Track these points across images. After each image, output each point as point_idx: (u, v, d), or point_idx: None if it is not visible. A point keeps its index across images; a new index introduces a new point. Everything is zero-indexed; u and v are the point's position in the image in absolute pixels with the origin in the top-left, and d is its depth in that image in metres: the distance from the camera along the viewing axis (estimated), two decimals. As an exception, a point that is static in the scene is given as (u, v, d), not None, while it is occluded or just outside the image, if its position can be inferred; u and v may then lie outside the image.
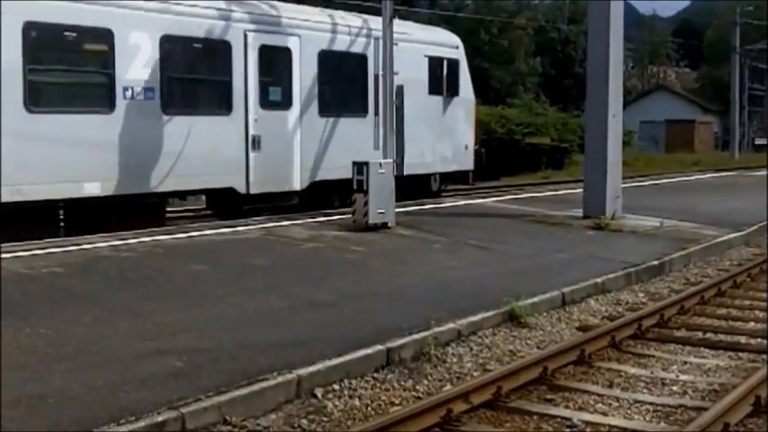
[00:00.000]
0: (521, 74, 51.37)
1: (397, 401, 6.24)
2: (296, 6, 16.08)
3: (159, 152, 12.85)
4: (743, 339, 8.18)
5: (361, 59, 16.14)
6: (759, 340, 8.13)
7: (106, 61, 12.28)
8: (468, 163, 18.88)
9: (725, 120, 52.33)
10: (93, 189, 12.07)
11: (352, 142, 15.52)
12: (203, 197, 15.46)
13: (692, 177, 27.98)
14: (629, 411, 6.20)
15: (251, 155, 14.02)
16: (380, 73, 13.59)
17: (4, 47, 11.05)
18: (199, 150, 13.25)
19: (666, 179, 26.49)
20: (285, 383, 6.02)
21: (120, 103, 12.37)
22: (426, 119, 17.52)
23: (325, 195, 15.54)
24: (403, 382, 6.62)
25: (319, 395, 6.13)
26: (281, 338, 6.95)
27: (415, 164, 17.18)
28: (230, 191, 13.96)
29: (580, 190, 15.74)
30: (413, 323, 7.53)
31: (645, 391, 6.68)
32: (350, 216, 12.89)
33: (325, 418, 5.82)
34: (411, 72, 16.66)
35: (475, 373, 6.88)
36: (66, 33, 11.95)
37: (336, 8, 18.10)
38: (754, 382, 6.27)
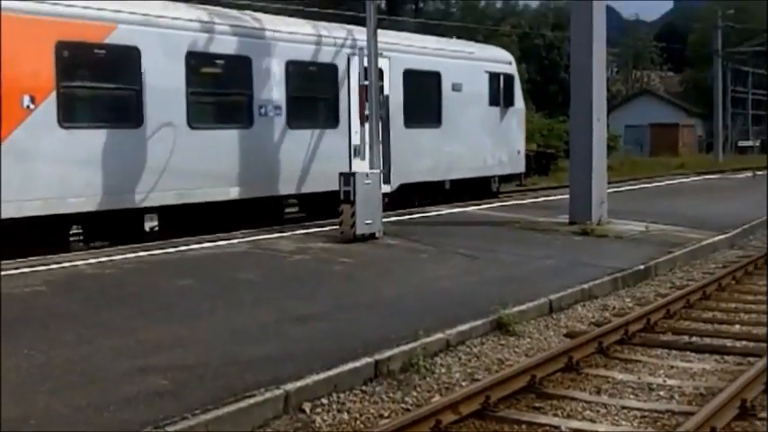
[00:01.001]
0: (506, 81, 51.35)
1: (385, 414, 6.21)
2: (389, 32, 18.13)
3: (284, 161, 14.85)
4: (728, 342, 8.20)
5: (436, 76, 18.34)
6: (744, 343, 8.17)
7: (246, 84, 14.29)
8: (520, 166, 21.23)
9: (708, 123, 52.54)
10: (234, 193, 14.04)
11: (428, 150, 17.79)
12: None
13: (677, 181, 28.09)
14: (616, 418, 6.20)
15: (353, 162, 15.66)
16: (366, 83, 13.64)
17: (172, 74, 13.02)
18: (314, 158, 15.12)
19: (651, 183, 26.59)
20: (273, 399, 5.98)
21: (257, 120, 14.38)
22: (487, 127, 19.72)
23: (409, 196, 17.57)
24: (392, 394, 6.60)
25: (307, 410, 6.10)
26: (268, 353, 6.92)
27: (479, 167, 19.52)
28: (337, 193, 15.28)
29: (566, 196, 15.77)
30: (401, 334, 7.51)
31: (632, 396, 6.69)
32: (337, 227, 12.88)
33: (313, 433, 5.79)
34: (475, 86, 19.31)
35: (463, 383, 6.87)
36: (217, 61, 14.13)
37: (319, 18, 18.34)
38: (740, 386, 6.28)
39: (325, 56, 15.72)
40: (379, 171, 13.15)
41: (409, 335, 7.49)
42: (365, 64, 15.52)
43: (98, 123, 12.35)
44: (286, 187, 14.93)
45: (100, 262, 10.42)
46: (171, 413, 5.49)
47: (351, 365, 6.72)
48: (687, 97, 62.94)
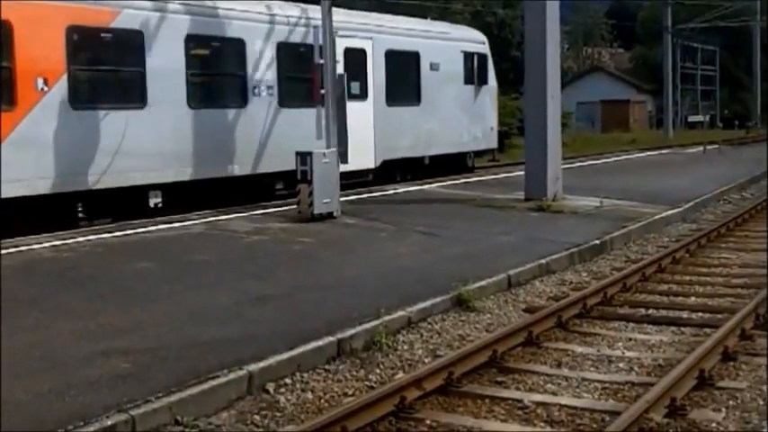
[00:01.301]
0: (458, 58, 51.35)
1: (350, 392, 6.24)
2: (374, 14, 19.15)
3: (276, 139, 15.29)
4: (684, 314, 8.37)
5: (415, 56, 18.91)
6: (700, 314, 8.34)
7: (241, 65, 14.89)
8: (493, 142, 21.99)
9: (659, 99, 53.12)
10: (231, 170, 14.60)
11: (409, 128, 18.39)
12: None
13: (629, 156, 28.45)
14: (577, 390, 6.30)
15: None
16: (321, 62, 13.55)
17: (172, 56, 13.56)
18: (304, 135, 15.01)
19: (604, 159, 26.91)
20: (236, 380, 5.97)
21: (251, 100, 14.95)
22: (463, 105, 20.34)
23: (391, 172, 18.15)
24: (355, 373, 6.62)
25: (271, 390, 6.10)
26: (230, 334, 6.89)
27: (455, 143, 20.16)
28: None
29: (521, 173, 15.89)
30: (362, 313, 7.53)
31: (592, 369, 6.79)
32: (295, 207, 12.82)
33: (278, 413, 5.79)
34: (451, 65, 19.90)
35: (426, 360, 6.92)
36: (214, 44, 14.66)
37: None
38: (697, 356, 6.42)
39: (313, 37, 15.72)
40: (335, 150, 13.10)
41: (371, 313, 7.51)
42: (348, 44, 15.99)
43: (105, 104, 12.86)
44: (278, 164, 15.21)
45: (55, 246, 10.25)
46: (134, 396, 5.45)
47: (313, 345, 6.72)
48: (637, 74, 63.57)
